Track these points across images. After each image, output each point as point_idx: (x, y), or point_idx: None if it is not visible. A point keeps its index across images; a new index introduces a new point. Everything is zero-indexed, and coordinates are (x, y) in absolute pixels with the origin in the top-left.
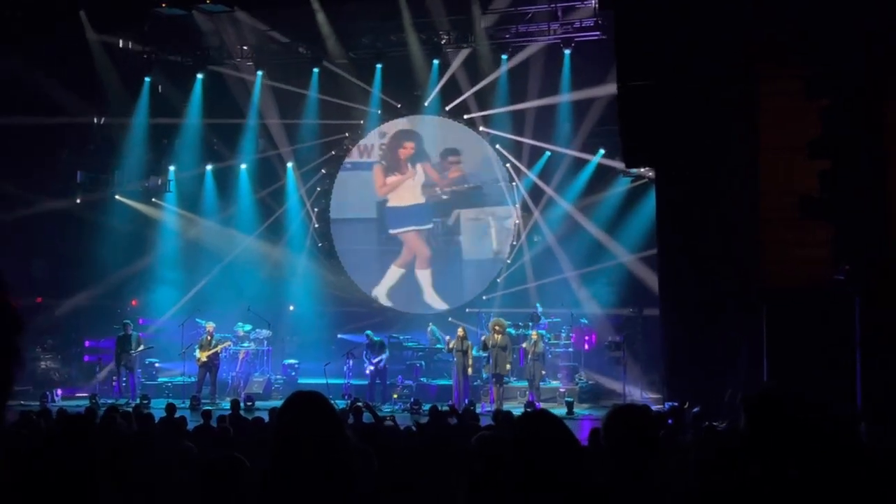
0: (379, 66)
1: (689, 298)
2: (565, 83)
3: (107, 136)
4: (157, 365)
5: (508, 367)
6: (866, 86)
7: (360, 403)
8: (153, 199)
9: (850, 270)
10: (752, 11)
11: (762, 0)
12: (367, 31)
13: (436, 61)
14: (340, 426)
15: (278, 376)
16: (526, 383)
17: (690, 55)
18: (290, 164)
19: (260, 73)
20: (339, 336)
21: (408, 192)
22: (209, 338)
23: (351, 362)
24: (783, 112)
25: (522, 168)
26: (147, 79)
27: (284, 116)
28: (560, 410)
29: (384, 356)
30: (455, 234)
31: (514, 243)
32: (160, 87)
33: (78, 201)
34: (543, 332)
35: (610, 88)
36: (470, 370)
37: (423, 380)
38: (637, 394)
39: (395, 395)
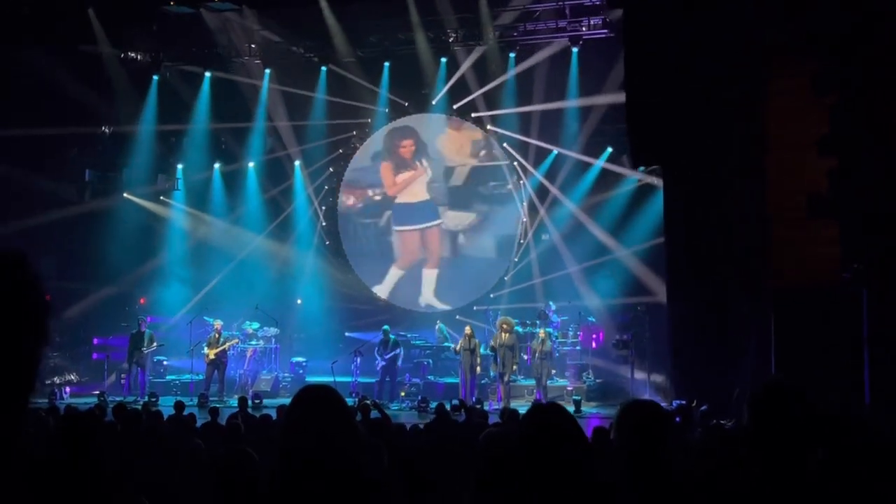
0: (386, 64)
1: (696, 297)
2: (573, 81)
3: (115, 134)
4: (165, 363)
5: (515, 366)
6: (874, 83)
7: (367, 401)
8: (161, 198)
9: (858, 269)
10: (758, 10)
11: None
12: (375, 30)
13: (443, 59)
14: (351, 423)
15: (286, 374)
16: (533, 382)
17: (697, 54)
18: (297, 163)
19: (268, 71)
20: (346, 334)
21: (417, 188)
22: (217, 335)
23: (359, 360)
24: (790, 110)
25: (529, 167)
26: (155, 77)
27: (292, 115)
28: (568, 409)
29: (398, 351)
30: (462, 231)
31: (522, 241)
32: (168, 86)
33: (87, 200)
34: (552, 330)
35: (617, 87)
36: (479, 369)
37: (431, 378)
38: (645, 392)
39: (403, 393)
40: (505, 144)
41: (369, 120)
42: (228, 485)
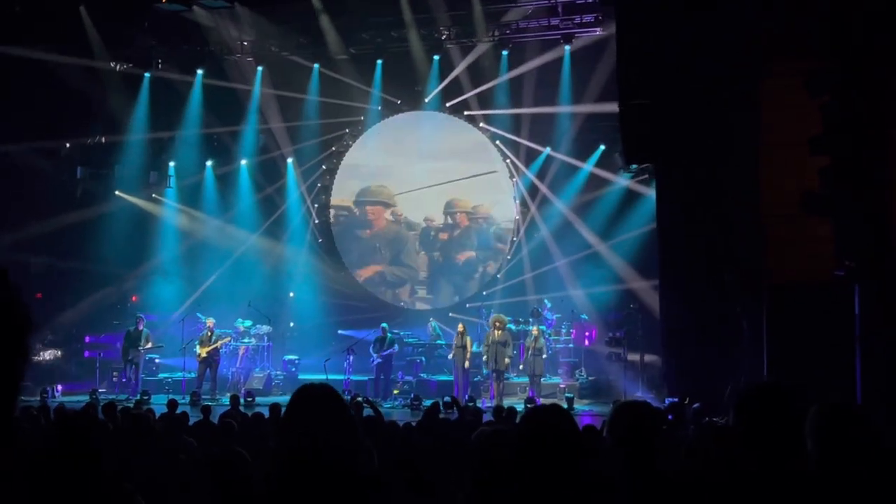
0: (379, 61)
1: (689, 294)
2: (565, 79)
3: (107, 132)
4: (157, 360)
5: (508, 361)
6: (867, 82)
7: (360, 399)
8: (153, 196)
9: (851, 266)
10: (753, 10)
11: None
12: (368, 27)
13: (436, 57)
14: (350, 422)
15: (278, 372)
16: (526, 379)
17: (690, 53)
18: (290, 160)
19: (260, 69)
20: (339, 332)
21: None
22: (209, 333)
23: (351, 358)
24: (784, 108)
25: (521, 166)
26: (147, 75)
27: (284, 112)
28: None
29: (394, 349)
30: (455, 229)
31: (514, 239)
32: (160, 84)
33: (79, 197)
34: (545, 327)
35: (610, 85)
36: (467, 363)
37: (424, 375)
38: (637, 389)
39: (396, 391)
40: (498, 142)
41: (362, 118)
42: (221, 484)
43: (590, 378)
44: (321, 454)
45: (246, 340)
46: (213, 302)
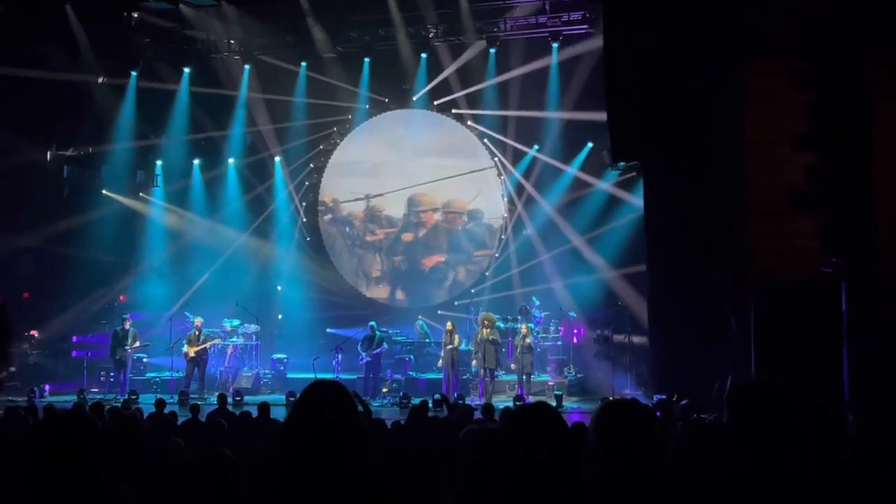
0: (367, 60)
1: (677, 291)
2: (553, 77)
3: (94, 131)
4: (145, 360)
5: (496, 360)
6: (853, 79)
7: (352, 392)
8: (140, 195)
9: (838, 263)
10: (739, 7)
11: None
12: (355, 25)
13: (424, 55)
14: (359, 420)
15: (267, 371)
16: (515, 377)
17: (678, 50)
18: (277, 159)
19: (247, 67)
20: (327, 330)
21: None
22: (197, 332)
23: (340, 357)
24: (770, 106)
25: (508, 165)
26: (134, 73)
27: (272, 111)
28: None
29: (383, 348)
30: (443, 227)
31: (503, 237)
32: (147, 81)
33: (65, 196)
34: (533, 325)
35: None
36: (452, 361)
37: (412, 374)
38: (625, 386)
39: (385, 390)
40: (486, 140)
41: (350, 116)
42: (209, 485)
43: (578, 375)
44: (333, 445)
45: (234, 339)
46: (200, 301)
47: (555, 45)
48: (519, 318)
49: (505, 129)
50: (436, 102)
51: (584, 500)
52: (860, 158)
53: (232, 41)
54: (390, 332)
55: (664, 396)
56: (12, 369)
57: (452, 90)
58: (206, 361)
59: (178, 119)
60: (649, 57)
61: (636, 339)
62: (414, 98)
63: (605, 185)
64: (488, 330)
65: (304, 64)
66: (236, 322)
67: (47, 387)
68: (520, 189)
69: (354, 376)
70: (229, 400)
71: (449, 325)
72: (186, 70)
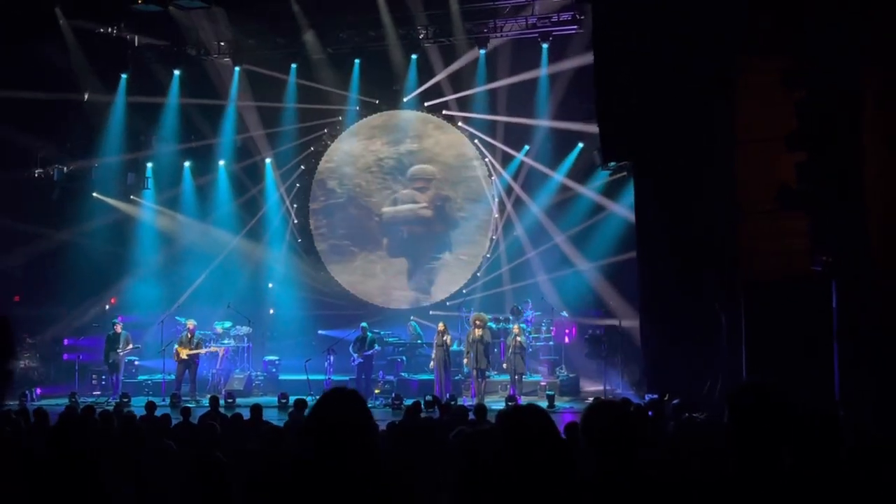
0: (357, 61)
1: (668, 290)
2: (543, 77)
3: (84, 133)
4: (136, 363)
5: (488, 361)
6: (843, 77)
7: None
8: (131, 197)
9: (828, 261)
10: (729, 7)
11: None
12: (345, 27)
13: (414, 56)
14: (375, 427)
15: (259, 373)
16: (507, 377)
17: (669, 49)
18: (268, 161)
19: (237, 69)
20: (319, 332)
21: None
22: (189, 335)
23: (332, 358)
24: (761, 104)
25: (498, 166)
26: (124, 76)
27: (263, 113)
28: (541, 403)
29: (375, 350)
30: (435, 228)
31: (493, 237)
32: (137, 85)
33: (55, 199)
34: (525, 325)
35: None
36: (445, 361)
37: (405, 375)
38: (617, 386)
39: (377, 391)
40: (476, 141)
41: (340, 118)
42: (201, 486)
43: (570, 375)
44: (353, 449)
45: (226, 342)
46: (192, 304)
47: (545, 45)
48: (511, 318)
49: (495, 129)
50: (426, 104)
51: (574, 501)
52: (851, 157)
53: (222, 43)
54: (382, 333)
55: (656, 396)
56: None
57: (443, 91)
58: (197, 364)
59: (168, 121)
60: (639, 56)
61: (627, 335)
62: (404, 99)
63: (592, 188)
64: (480, 330)
65: (294, 66)
66: (228, 324)
67: (38, 390)
68: (510, 189)
69: (346, 377)
70: (221, 402)
71: (441, 326)
72: (177, 73)
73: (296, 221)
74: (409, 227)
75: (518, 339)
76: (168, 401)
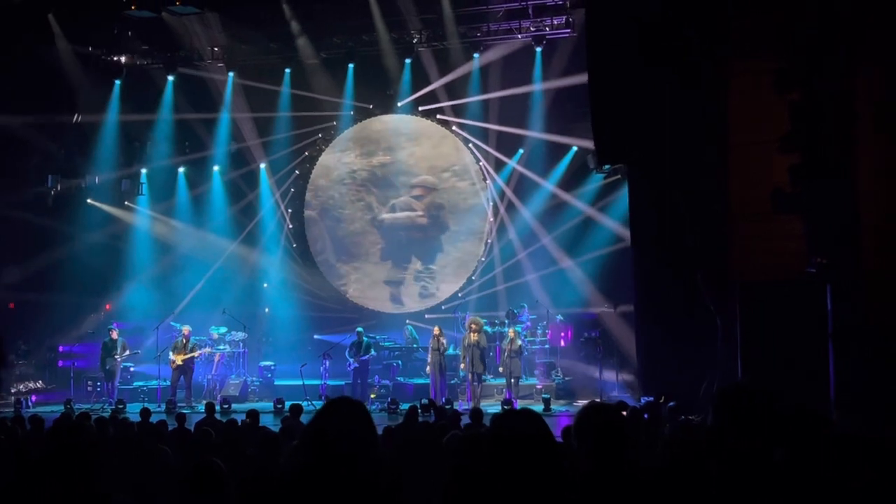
0: (351, 65)
1: (663, 293)
2: (537, 81)
3: (78, 140)
4: (131, 369)
5: (484, 364)
6: (836, 80)
7: None
8: (126, 203)
9: (822, 263)
10: (721, 9)
11: None
12: (339, 31)
13: (408, 60)
14: (377, 440)
15: (254, 378)
16: (503, 381)
17: (660, 53)
18: (262, 166)
19: (231, 74)
20: (315, 337)
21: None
22: (184, 340)
23: (328, 363)
24: (753, 107)
25: (491, 171)
26: (117, 82)
27: (257, 118)
28: (537, 407)
29: (371, 355)
30: (430, 231)
31: (489, 241)
32: (131, 91)
33: (50, 205)
34: (521, 329)
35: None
36: (440, 365)
37: (401, 379)
38: (613, 388)
39: (373, 395)
40: (470, 145)
41: (335, 122)
42: (197, 492)
43: (566, 378)
44: (356, 458)
45: (221, 347)
46: (187, 309)
47: (538, 49)
48: (506, 321)
49: (488, 133)
50: (421, 108)
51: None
52: (843, 159)
53: (215, 49)
54: (378, 337)
55: (651, 398)
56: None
57: (437, 95)
58: (192, 369)
59: (162, 128)
60: (632, 60)
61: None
62: (399, 104)
63: (586, 191)
64: (476, 334)
65: (287, 70)
66: (223, 330)
67: (34, 397)
68: (505, 190)
69: (342, 382)
70: (217, 408)
71: (436, 330)
72: (170, 78)
73: (290, 226)
74: (404, 230)
75: (514, 342)
76: (164, 407)
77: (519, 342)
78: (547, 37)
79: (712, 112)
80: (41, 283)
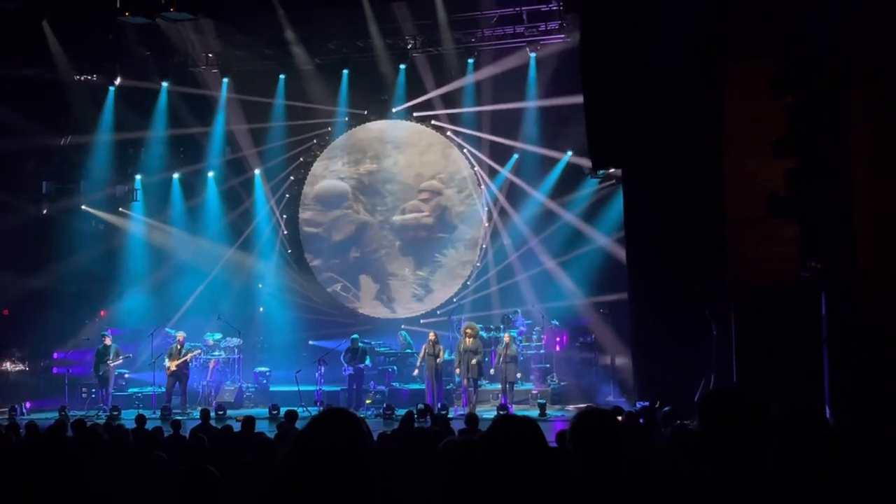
0: (345, 71)
1: (658, 298)
2: (531, 86)
3: (72, 146)
4: (126, 375)
5: (479, 370)
6: (831, 83)
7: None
8: (120, 209)
9: (817, 268)
10: (716, 13)
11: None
12: (333, 37)
13: (402, 66)
14: (371, 446)
15: (249, 384)
16: (499, 386)
17: (655, 57)
18: (257, 172)
19: (225, 80)
20: (310, 343)
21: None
22: (179, 347)
23: (323, 369)
24: (748, 110)
25: (485, 177)
26: (111, 88)
27: (251, 123)
28: (533, 412)
29: (367, 363)
30: (424, 236)
31: (484, 246)
32: (125, 97)
33: (44, 212)
34: (516, 334)
35: (576, 91)
36: (436, 371)
37: (396, 385)
38: (609, 393)
39: (369, 401)
40: (465, 150)
41: (329, 128)
42: (192, 498)
43: (562, 383)
44: (346, 466)
45: (216, 353)
46: (182, 315)
47: (532, 54)
48: (501, 326)
49: (480, 140)
50: (416, 114)
51: None
52: (838, 162)
53: (210, 55)
54: (373, 343)
55: (647, 403)
56: None
57: (432, 101)
58: (187, 376)
59: (157, 132)
60: (627, 65)
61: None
62: (393, 109)
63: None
64: (471, 340)
65: (282, 77)
66: (218, 336)
67: (28, 404)
68: (501, 195)
69: (338, 388)
70: (212, 414)
71: (432, 336)
72: (165, 84)
73: (286, 232)
74: (398, 235)
75: (510, 348)
76: (159, 413)
77: (514, 347)
78: (541, 42)
79: (708, 115)
80: (35, 289)
